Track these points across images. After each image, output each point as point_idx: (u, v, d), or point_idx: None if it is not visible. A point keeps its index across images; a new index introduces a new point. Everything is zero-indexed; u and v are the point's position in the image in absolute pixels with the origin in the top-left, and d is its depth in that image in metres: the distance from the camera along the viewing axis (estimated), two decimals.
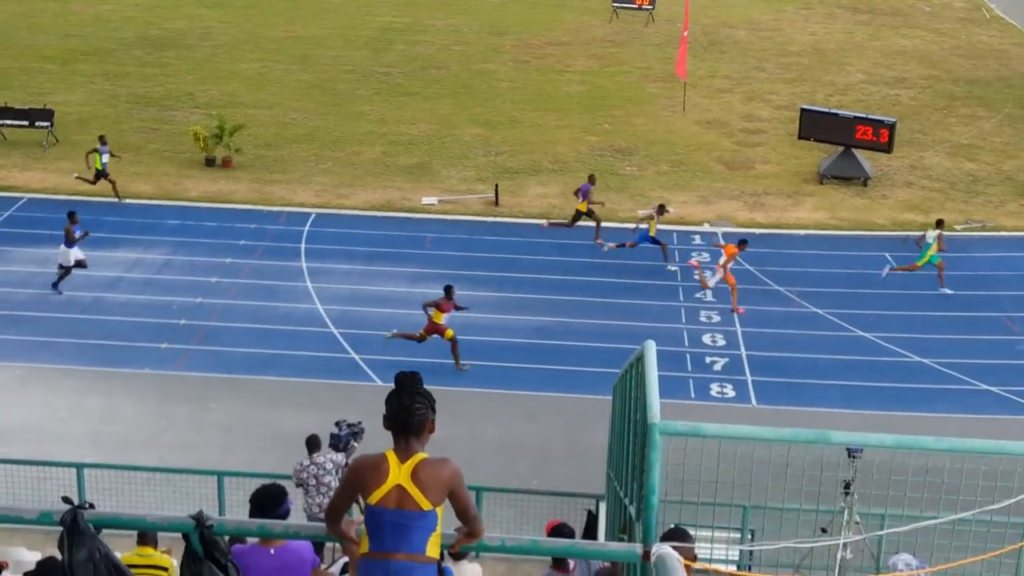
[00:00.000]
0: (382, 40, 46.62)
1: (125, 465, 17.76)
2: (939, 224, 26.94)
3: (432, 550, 5.60)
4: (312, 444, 15.51)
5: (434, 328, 22.75)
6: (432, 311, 22.69)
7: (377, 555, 5.57)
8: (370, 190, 31.95)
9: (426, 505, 5.52)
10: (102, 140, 30.63)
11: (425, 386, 5.73)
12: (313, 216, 30.27)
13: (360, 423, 15.50)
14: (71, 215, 25.58)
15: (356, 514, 6.06)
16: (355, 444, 15.27)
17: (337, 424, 15.52)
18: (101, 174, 30.33)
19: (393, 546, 5.54)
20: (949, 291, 26.39)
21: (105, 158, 30.23)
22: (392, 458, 5.58)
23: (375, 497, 5.54)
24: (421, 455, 5.61)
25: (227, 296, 25.91)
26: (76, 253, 25.53)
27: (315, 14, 50.24)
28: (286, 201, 31.11)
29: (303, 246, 28.52)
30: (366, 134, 36.10)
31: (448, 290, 22.97)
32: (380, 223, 30.08)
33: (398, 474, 5.53)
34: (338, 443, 15.30)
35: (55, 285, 25.66)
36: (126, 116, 37.15)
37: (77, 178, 30.69)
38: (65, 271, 25.65)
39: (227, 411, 21.71)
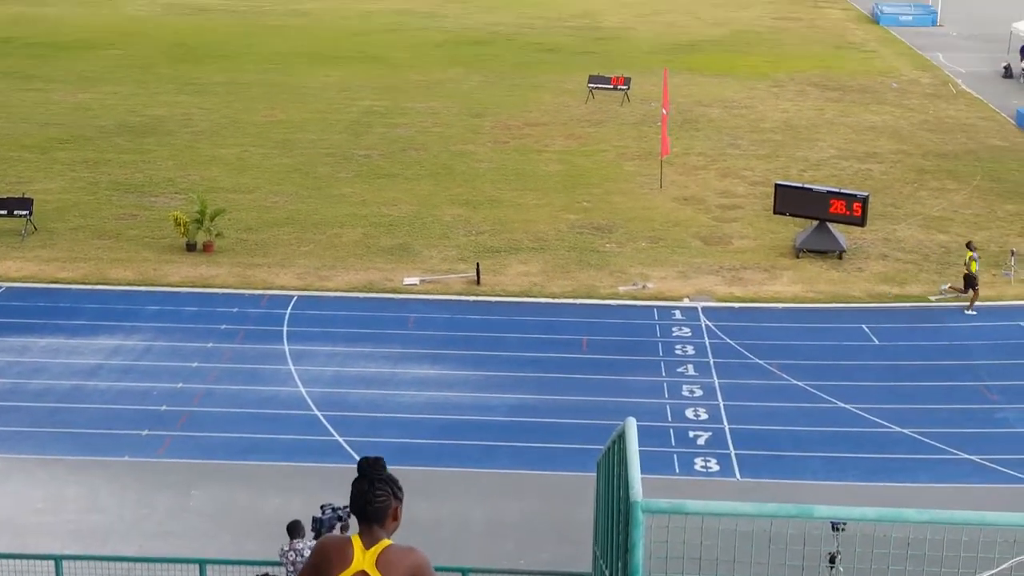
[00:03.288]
0: (362, 123, 47.04)
1: (105, 556, 17.59)
2: None
3: None
4: (293, 530, 15.14)
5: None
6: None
7: None
8: (352, 271, 32.04)
9: None
10: (969, 246, 29.91)
11: (393, 473, 5.65)
12: (295, 299, 30.30)
13: (347, 507, 14.75)
14: None
15: None
16: (339, 530, 14.86)
17: (322, 508, 14.86)
18: (971, 280, 29.41)
19: None
20: None
21: (975, 266, 29.37)
22: (357, 543, 5.48)
23: None
24: (386, 542, 5.49)
25: (209, 381, 25.84)
26: None
27: (295, 99, 50.69)
28: (268, 284, 31.16)
29: (285, 329, 28.52)
30: (347, 216, 36.29)
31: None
32: (362, 304, 30.14)
33: (362, 560, 5.42)
34: (320, 528, 14.59)
35: None
36: (106, 203, 37.27)
37: (949, 288, 29.86)
38: None
39: (209, 497, 21.54)
